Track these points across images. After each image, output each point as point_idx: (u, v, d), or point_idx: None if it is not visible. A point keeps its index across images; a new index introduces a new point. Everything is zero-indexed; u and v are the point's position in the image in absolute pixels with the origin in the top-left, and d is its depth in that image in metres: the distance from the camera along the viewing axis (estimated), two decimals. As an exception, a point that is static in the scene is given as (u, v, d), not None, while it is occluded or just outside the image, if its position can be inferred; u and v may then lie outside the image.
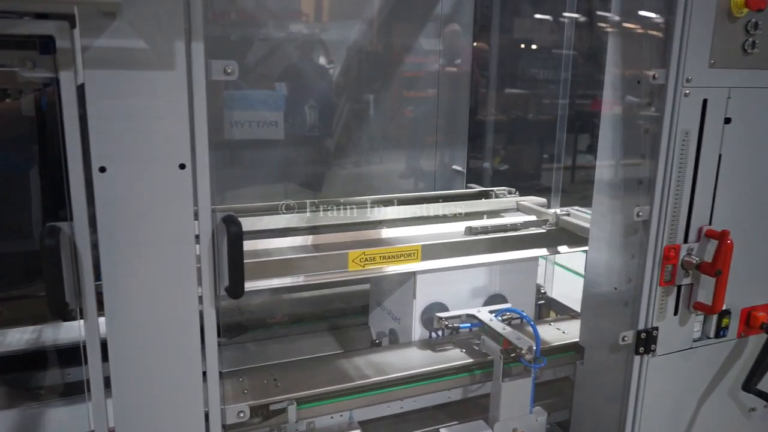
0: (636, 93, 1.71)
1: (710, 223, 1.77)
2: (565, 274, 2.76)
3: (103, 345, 1.20)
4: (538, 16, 4.56)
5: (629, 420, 1.83)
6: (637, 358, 1.78)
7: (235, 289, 1.22)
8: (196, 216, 1.20)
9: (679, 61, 1.60)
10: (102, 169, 1.11)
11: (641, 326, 1.76)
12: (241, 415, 1.32)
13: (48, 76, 1.05)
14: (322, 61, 3.17)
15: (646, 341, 1.77)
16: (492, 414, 1.89)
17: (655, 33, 1.64)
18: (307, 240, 1.93)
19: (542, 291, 2.45)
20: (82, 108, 1.08)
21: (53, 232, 1.09)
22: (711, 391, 1.92)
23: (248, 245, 1.84)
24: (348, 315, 2.40)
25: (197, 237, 1.21)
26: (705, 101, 1.67)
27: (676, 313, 1.80)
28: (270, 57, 3.27)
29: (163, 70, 1.11)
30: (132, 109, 1.11)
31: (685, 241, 1.75)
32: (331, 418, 1.78)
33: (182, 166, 1.16)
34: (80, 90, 1.08)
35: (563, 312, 2.48)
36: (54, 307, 1.10)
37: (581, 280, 2.70)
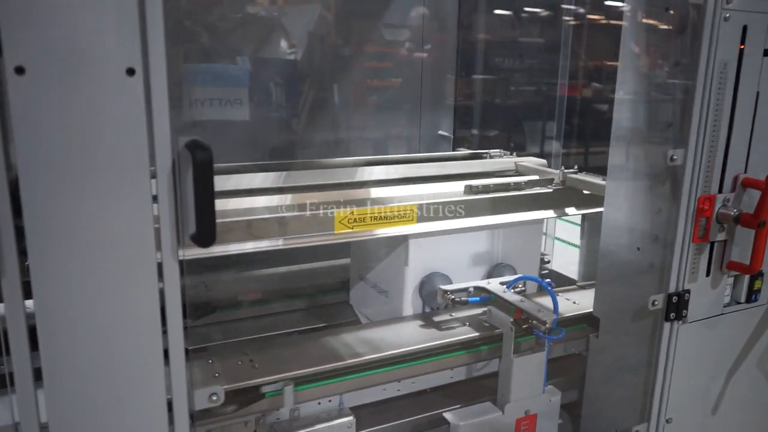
0: (665, 20, 1.49)
1: (745, 171, 1.57)
2: (566, 249, 2.55)
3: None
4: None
5: (657, 396, 1.61)
6: (666, 326, 1.57)
7: (205, 233, 0.95)
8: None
9: (719, -22, 1.39)
10: (19, 70, 0.82)
11: (672, 289, 1.55)
12: (214, 398, 1.06)
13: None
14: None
15: (677, 306, 1.55)
16: (501, 394, 1.66)
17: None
18: (285, 200, 1.65)
19: (546, 260, 2.22)
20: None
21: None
22: (742, 360, 1.73)
23: (216, 205, 1.57)
24: (327, 292, 2.13)
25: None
26: (745, 28, 1.46)
27: (708, 274, 1.60)
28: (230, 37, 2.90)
29: (103, -63, 0.83)
30: (60, -10, 0.83)
31: (720, 191, 1.54)
32: (319, 403, 1.52)
33: (130, 72, 0.88)
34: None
35: (565, 284, 2.26)
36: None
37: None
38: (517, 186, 1.88)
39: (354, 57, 2.69)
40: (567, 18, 2.74)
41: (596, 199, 1.92)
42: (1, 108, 0.84)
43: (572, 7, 2.89)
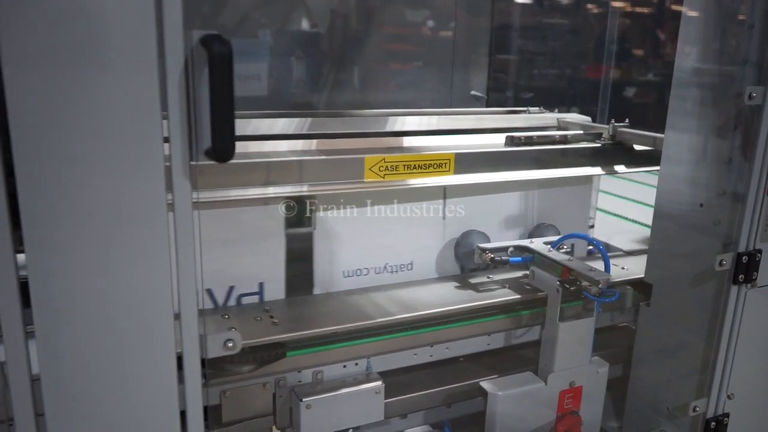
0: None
1: (831, 118, 1.39)
2: (608, 219, 2.37)
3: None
4: None
5: (719, 368, 1.45)
6: (734, 289, 1.40)
7: (222, 144, 0.80)
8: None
9: None
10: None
11: (742, 248, 1.38)
12: (230, 344, 0.92)
13: None
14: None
15: (747, 267, 1.38)
16: (544, 363, 1.51)
17: None
18: (310, 145, 1.51)
19: (591, 225, 2.05)
20: None
21: None
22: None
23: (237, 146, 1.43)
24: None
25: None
26: (839, -51, 1.28)
27: (781, 234, 1.43)
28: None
29: None
30: None
31: (801, 137, 1.37)
32: (344, 366, 1.38)
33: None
34: None
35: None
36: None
37: (625, 223, 2.35)
38: (563, 139, 1.72)
39: (383, 31, 2.53)
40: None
41: (649, 157, 1.75)
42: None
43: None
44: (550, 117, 2.02)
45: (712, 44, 1.39)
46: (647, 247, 1.60)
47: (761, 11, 1.29)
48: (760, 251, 1.39)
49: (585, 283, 1.43)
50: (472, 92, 2.53)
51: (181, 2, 0.76)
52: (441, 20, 2.49)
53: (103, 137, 0.78)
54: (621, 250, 2.02)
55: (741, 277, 1.38)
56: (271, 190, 1.37)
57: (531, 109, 2.12)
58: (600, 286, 1.38)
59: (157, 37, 0.77)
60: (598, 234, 2.22)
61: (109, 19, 0.75)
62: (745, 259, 1.38)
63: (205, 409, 1.24)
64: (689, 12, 1.43)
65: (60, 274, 0.80)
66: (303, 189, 1.39)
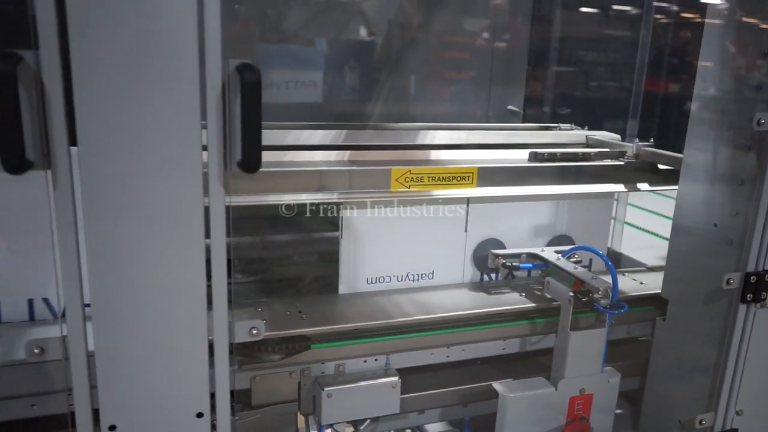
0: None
1: None
2: (636, 233, 2.41)
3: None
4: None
5: (726, 384, 1.49)
6: (742, 308, 1.45)
7: (250, 158, 0.93)
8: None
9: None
10: (80, -19, 0.83)
11: (751, 268, 1.43)
12: (254, 331, 1.05)
13: None
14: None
15: (756, 287, 1.43)
16: (555, 370, 1.58)
17: None
18: (342, 155, 1.63)
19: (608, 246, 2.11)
20: None
21: (10, 59, 0.81)
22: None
23: (271, 156, 1.58)
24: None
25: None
26: None
27: (793, 255, 1.46)
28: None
29: None
30: None
31: (813, 163, 1.40)
32: (365, 361, 1.49)
33: (183, -12, 0.87)
34: None
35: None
36: (8, 161, 0.83)
37: (653, 239, 2.38)
38: (586, 156, 1.79)
39: (427, 45, 2.64)
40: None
41: (672, 176, 1.80)
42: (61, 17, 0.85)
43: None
44: (579, 134, 2.08)
45: (729, 70, 1.45)
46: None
47: (773, 40, 1.34)
48: (769, 272, 1.44)
49: (596, 295, 1.50)
50: (509, 107, 2.61)
51: (220, 38, 0.90)
52: (480, 39, 2.59)
53: (153, 147, 0.92)
54: (644, 264, 2.07)
55: (749, 296, 1.43)
56: (304, 197, 1.50)
57: (562, 125, 2.18)
58: (599, 294, 1.45)
59: (200, 65, 0.91)
60: (624, 248, 2.27)
61: (162, 50, 0.89)
62: (753, 279, 1.42)
63: (237, 392, 1.39)
64: (708, 37, 1.49)
65: (113, 267, 0.94)
66: (333, 196, 1.52)
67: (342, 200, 1.53)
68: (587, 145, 2.06)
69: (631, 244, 2.28)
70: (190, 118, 0.92)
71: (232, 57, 0.93)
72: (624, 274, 1.85)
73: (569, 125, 2.19)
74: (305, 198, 1.50)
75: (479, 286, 1.70)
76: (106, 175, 0.91)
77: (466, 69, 2.60)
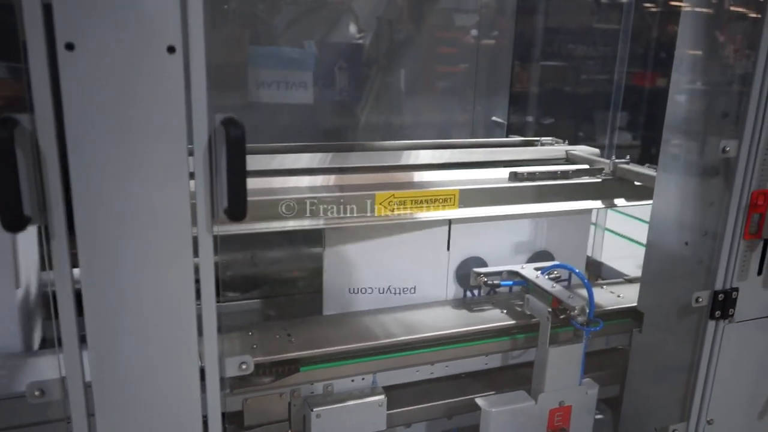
0: (725, 6, 1.42)
1: (806, 166, 1.49)
2: (616, 240, 2.48)
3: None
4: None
5: (698, 396, 1.57)
6: (711, 324, 1.52)
7: (236, 208, 0.98)
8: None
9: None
10: (69, 46, 0.88)
11: (719, 286, 1.49)
12: (243, 366, 1.11)
13: None
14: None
15: (723, 304, 1.50)
16: (535, 384, 1.65)
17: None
18: (328, 180, 1.69)
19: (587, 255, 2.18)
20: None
21: (7, 124, 0.86)
22: (794, 367, 1.65)
23: (260, 182, 1.63)
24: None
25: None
26: (812, 14, 1.38)
27: (760, 273, 1.53)
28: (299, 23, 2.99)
29: None
30: (107, -30, 0.88)
31: (777, 186, 1.47)
32: (352, 381, 1.55)
33: (171, 49, 0.92)
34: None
35: (613, 277, 2.21)
36: (8, 220, 0.88)
37: (633, 246, 2.45)
38: (564, 174, 1.85)
39: (412, 44, 2.70)
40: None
41: (647, 191, 1.86)
42: (54, 82, 0.89)
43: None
44: (560, 150, 2.15)
45: (697, 99, 1.51)
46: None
47: (740, 73, 1.40)
48: (736, 289, 1.50)
49: (573, 313, 1.57)
50: (493, 118, 2.67)
51: (206, 97, 0.95)
52: (464, 51, 2.65)
53: (144, 197, 0.97)
54: (624, 275, 2.14)
55: (717, 313, 1.50)
56: (291, 224, 1.55)
57: (543, 140, 2.24)
58: (576, 312, 1.52)
59: (187, 121, 0.96)
60: (605, 257, 2.34)
61: (151, 108, 0.94)
62: (721, 296, 1.49)
63: (229, 414, 1.45)
64: (679, 63, 1.54)
65: (108, 306, 1.00)
66: (320, 222, 1.57)
67: (328, 225, 1.58)
68: (567, 160, 2.12)
69: (611, 253, 2.36)
70: (179, 169, 0.97)
71: (217, 103, 0.99)
72: (602, 287, 1.92)
73: (550, 139, 2.25)
74: (292, 225, 1.55)
75: (462, 303, 1.76)
76: (100, 224, 0.96)
77: (451, 83, 2.66)
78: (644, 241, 2.42)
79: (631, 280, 1.99)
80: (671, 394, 1.64)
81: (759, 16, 1.34)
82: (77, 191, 0.93)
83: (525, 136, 2.42)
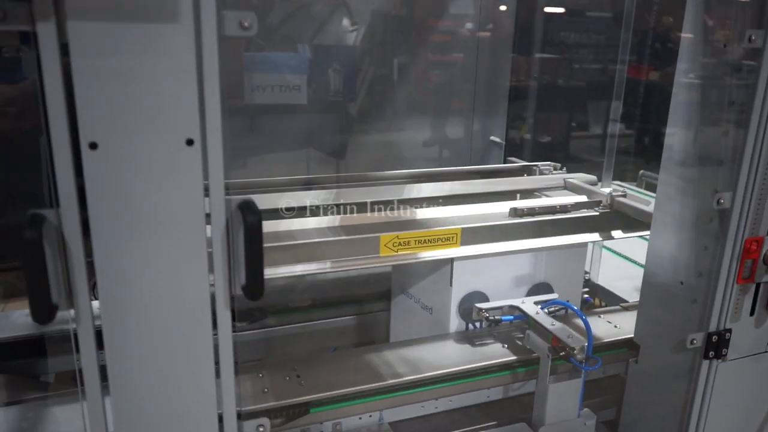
0: (721, 58, 1.46)
1: (799, 212, 1.54)
2: (614, 259, 2.53)
3: (98, 333, 1.03)
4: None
5: (692, 430, 1.63)
6: (705, 363, 1.58)
7: (254, 289, 1.03)
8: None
9: (780, 20, 1.35)
10: (93, 146, 0.91)
11: (713, 328, 1.55)
12: (261, 429, 1.16)
13: (23, 29, 0.85)
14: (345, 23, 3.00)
15: (717, 345, 1.55)
16: (536, 416, 1.71)
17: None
18: (333, 221, 1.73)
19: (586, 277, 2.23)
20: (67, 70, 0.88)
21: (35, 222, 0.90)
22: (783, 398, 1.71)
23: (268, 226, 1.66)
24: (371, 301, 2.21)
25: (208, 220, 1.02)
26: (804, 68, 1.42)
27: (752, 314, 1.59)
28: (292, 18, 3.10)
29: (165, 22, 0.90)
30: (128, 72, 0.91)
31: (769, 232, 1.52)
32: (360, 419, 1.61)
33: (190, 142, 0.96)
34: (64, 48, 0.87)
35: (610, 300, 2.27)
36: (38, 312, 0.92)
37: (631, 266, 2.50)
38: (563, 209, 1.90)
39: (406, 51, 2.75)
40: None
41: (643, 223, 1.91)
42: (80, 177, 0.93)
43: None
44: (557, 178, 2.19)
45: (693, 146, 1.55)
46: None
47: (734, 129, 1.44)
48: (729, 330, 1.56)
49: (573, 351, 1.62)
50: (491, 137, 2.70)
51: (223, 180, 0.99)
52: (464, 72, 2.68)
53: (163, 283, 1.01)
54: (621, 299, 2.19)
55: (711, 353, 1.55)
56: (300, 268, 1.60)
57: (542, 166, 2.28)
58: (575, 351, 1.57)
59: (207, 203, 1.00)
60: (601, 279, 2.40)
61: (172, 197, 0.98)
62: (714, 338, 1.54)
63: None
64: (675, 111, 1.58)
65: (132, 384, 1.04)
66: (326, 265, 1.62)
67: (336, 269, 1.63)
68: (566, 187, 2.16)
69: (609, 274, 2.41)
70: (198, 253, 1.02)
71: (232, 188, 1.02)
72: (599, 316, 1.98)
73: (548, 165, 2.29)
74: (300, 269, 1.60)
75: (464, 337, 1.81)
76: (124, 311, 1.00)
77: (450, 103, 2.70)
78: (641, 260, 2.49)
79: (627, 308, 2.05)
80: (666, 425, 1.71)
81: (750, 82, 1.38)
82: (102, 280, 0.97)
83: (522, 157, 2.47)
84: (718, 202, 1.45)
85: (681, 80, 1.55)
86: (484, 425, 1.73)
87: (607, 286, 2.32)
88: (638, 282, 2.24)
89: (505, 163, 2.70)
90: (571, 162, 2.48)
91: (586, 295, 2.17)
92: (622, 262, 2.53)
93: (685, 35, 1.53)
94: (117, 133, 0.92)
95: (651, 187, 3.67)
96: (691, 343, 1.55)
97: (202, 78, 0.94)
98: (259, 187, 1.94)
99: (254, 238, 1.00)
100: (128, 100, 0.92)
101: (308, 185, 1.99)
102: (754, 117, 1.40)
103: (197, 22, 0.92)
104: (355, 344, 2.16)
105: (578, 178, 2.19)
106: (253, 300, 1.04)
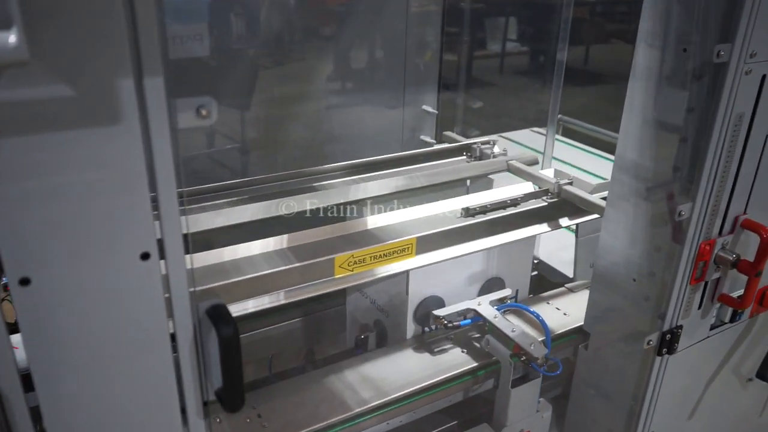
0: (682, 64, 1.41)
1: (745, 212, 1.57)
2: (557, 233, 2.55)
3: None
4: None
5: (643, 416, 1.71)
6: (657, 360, 1.63)
7: (234, 400, 0.91)
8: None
9: (746, 34, 1.31)
10: (24, 281, 0.73)
11: (666, 327, 1.60)
12: None
13: None
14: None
15: (670, 342, 1.61)
16: (498, 418, 1.73)
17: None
18: (281, 241, 1.59)
19: (535, 261, 2.25)
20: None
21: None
22: (718, 374, 1.83)
23: (211, 256, 1.51)
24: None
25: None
26: (764, 77, 1.40)
27: (700, 308, 1.65)
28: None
29: (105, 125, 0.72)
30: (63, 188, 0.72)
31: (720, 233, 1.55)
32: (326, 446, 1.56)
33: (145, 256, 0.80)
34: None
35: (554, 276, 2.31)
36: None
37: (569, 235, 2.53)
38: (514, 202, 1.85)
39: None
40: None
41: (591, 209, 1.92)
42: None
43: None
44: (500, 162, 2.13)
45: (648, 149, 1.52)
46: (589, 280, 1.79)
47: (693, 136, 1.42)
48: (681, 326, 1.61)
49: (535, 359, 1.63)
50: (424, 107, 2.59)
51: (188, 296, 0.84)
52: (394, 39, 2.51)
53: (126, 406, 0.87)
54: (566, 277, 2.23)
55: (664, 350, 1.61)
56: (251, 304, 1.47)
57: (482, 145, 2.21)
58: (538, 362, 1.59)
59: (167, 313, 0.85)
60: (542, 253, 2.42)
61: (129, 315, 0.82)
62: (668, 336, 1.60)
63: None
64: (631, 107, 1.54)
65: None
66: (280, 297, 1.50)
67: (291, 299, 1.51)
68: (510, 169, 2.12)
69: (551, 246, 2.42)
70: (165, 369, 0.88)
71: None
72: (548, 302, 2.00)
73: (488, 142, 2.22)
74: (252, 305, 1.47)
75: (422, 344, 1.77)
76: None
77: (382, 72, 2.54)
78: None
79: (572, 289, 2.08)
80: (615, 414, 1.78)
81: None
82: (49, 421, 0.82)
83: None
84: (680, 214, 1.45)
85: (636, 84, 1.50)
86: (446, 426, 1.74)
87: (549, 262, 2.34)
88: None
89: (438, 131, 2.61)
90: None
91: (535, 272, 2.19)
92: (561, 233, 2.56)
93: (642, 35, 1.46)
94: (53, 263, 0.75)
95: (567, 132, 3.72)
96: (648, 343, 1.59)
97: (156, 181, 0.77)
98: (188, 195, 1.74)
99: (232, 353, 0.88)
100: (67, 221, 0.74)
101: (240, 188, 1.82)
102: (716, 128, 1.39)
103: (144, 118, 0.74)
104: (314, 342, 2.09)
105: (521, 159, 2.15)
106: (233, 412, 0.92)
